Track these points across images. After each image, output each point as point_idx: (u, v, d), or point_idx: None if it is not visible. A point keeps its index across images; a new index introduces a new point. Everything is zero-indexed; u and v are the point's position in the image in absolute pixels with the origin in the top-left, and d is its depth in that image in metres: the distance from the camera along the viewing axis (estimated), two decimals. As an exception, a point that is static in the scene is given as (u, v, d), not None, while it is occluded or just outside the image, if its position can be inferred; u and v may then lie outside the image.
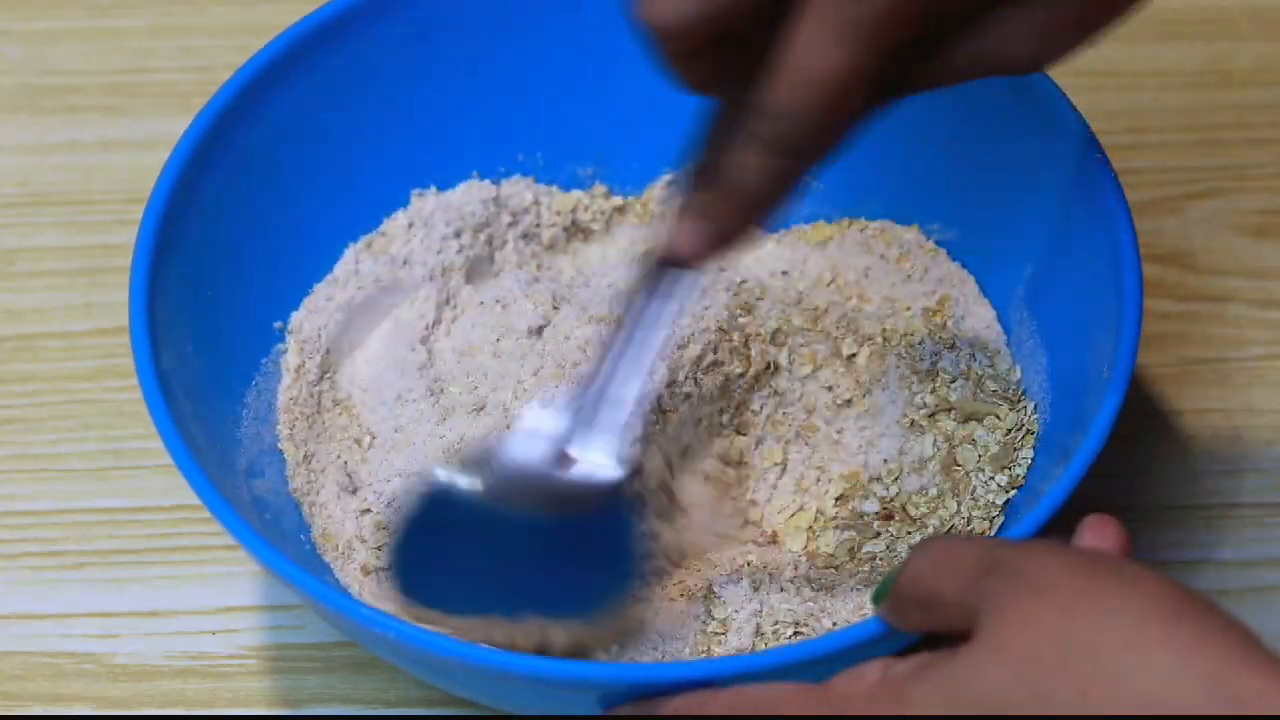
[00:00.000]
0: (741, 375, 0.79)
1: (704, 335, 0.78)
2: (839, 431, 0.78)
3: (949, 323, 0.80)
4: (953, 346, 0.79)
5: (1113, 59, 0.93)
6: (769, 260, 0.83)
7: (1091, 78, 0.92)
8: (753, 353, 0.79)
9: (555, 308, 0.79)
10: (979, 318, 0.80)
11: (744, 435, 0.79)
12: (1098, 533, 0.64)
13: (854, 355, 0.79)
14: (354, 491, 0.77)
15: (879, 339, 0.79)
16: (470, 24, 0.81)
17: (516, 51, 0.81)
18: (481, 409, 0.77)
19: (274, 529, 0.74)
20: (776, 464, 0.78)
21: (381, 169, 0.81)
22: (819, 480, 0.78)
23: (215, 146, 0.76)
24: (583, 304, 0.79)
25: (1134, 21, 0.94)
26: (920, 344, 0.79)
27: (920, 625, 0.63)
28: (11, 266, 0.89)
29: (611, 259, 0.83)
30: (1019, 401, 0.78)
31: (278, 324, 0.79)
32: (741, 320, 0.79)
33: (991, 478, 0.76)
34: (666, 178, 0.84)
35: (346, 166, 0.81)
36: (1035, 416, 0.77)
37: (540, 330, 0.78)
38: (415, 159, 0.82)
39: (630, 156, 0.84)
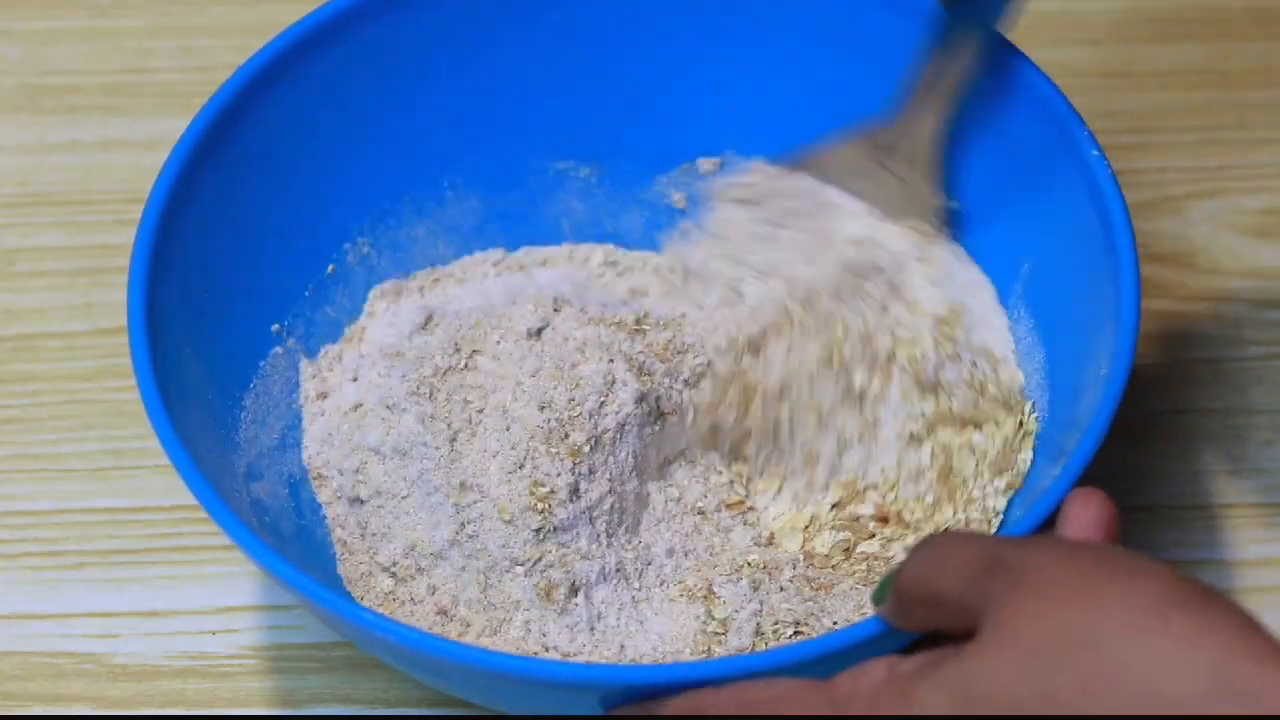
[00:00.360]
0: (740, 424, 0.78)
1: (703, 381, 0.77)
2: (840, 455, 0.78)
3: (959, 334, 0.79)
4: (957, 356, 0.78)
5: (1113, 59, 0.93)
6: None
7: (1091, 78, 0.92)
8: (754, 408, 0.78)
9: (556, 310, 0.79)
10: (992, 328, 0.79)
11: (743, 462, 0.78)
12: (1083, 504, 0.64)
13: (864, 392, 0.78)
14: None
15: (887, 359, 0.79)
16: (470, 26, 0.81)
17: (516, 53, 0.81)
18: (480, 410, 0.77)
19: (273, 531, 0.74)
20: (774, 489, 0.78)
21: (380, 169, 0.81)
22: (815, 491, 0.78)
23: (214, 147, 0.76)
24: (582, 305, 0.78)
25: (1134, 21, 0.94)
26: (925, 357, 0.78)
27: (923, 624, 0.63)
28: (11, 266, 0.89)
29: (610, 260, 0.84)
30: (1018, 405, 0.78)
31: (275, 327, 0.79)
32: (746, 364, 0.78)
33: (990, 481, 0.76)
34: (662, 179, 0.84)
35: (345, 167, 0.81)
36: (1034, 417, 0.77)
37: (539, 332, 0.78)
38: (414, 160, 0.82)
39: (627, 158, 0.84)
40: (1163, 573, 0.57)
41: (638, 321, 0.78)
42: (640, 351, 0.77)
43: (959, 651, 0.59)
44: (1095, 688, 0.55)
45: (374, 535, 0.76)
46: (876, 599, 0.64)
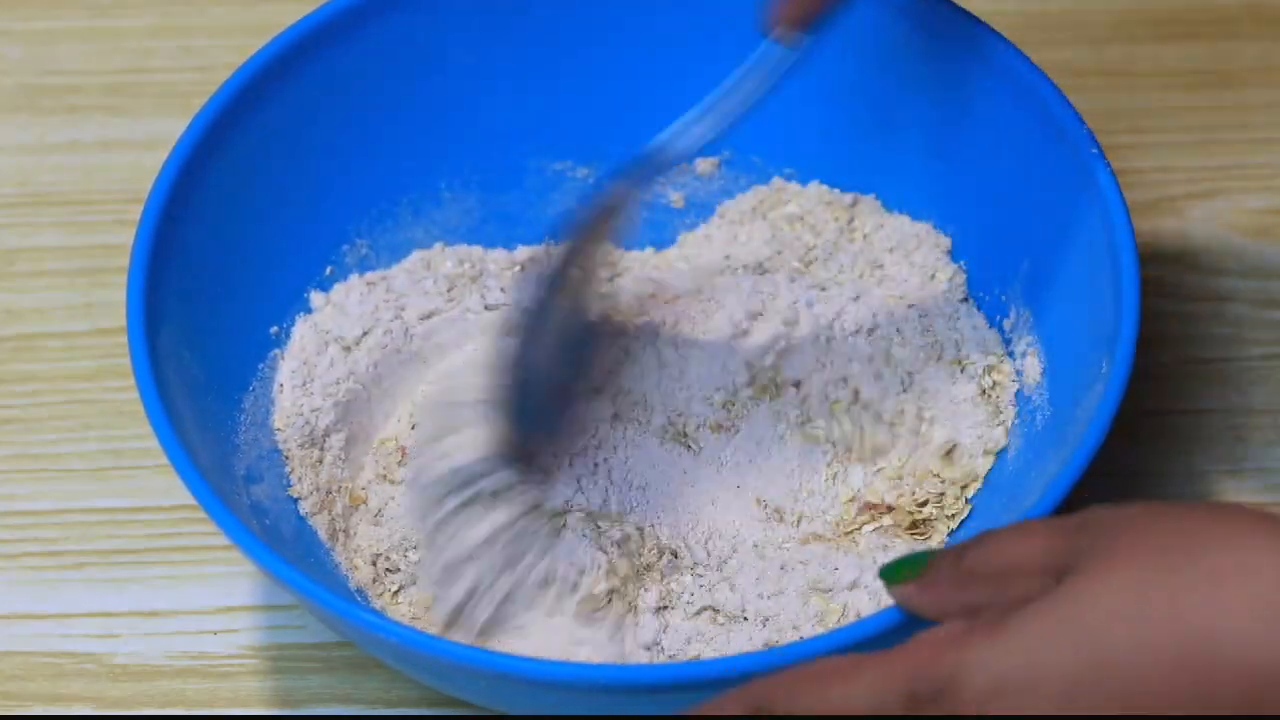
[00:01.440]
0: None
1: None
2: None
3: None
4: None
5: (1113, 59, 0.93)
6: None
7: (1091, 78, 0.92)
8: None
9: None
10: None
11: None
12: None
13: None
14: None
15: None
16: (467, 27, 0.81)
17: (513, 54, 0.81)
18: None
19: (273, 533, 0.74)
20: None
21: (378, 171, 0.81)
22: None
23: (214, 147, 0.76)
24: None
25: (1134, 21, 0.94)
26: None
27: (969, 601, 0.61)
28: (11, 266, 0.89)
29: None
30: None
31: (273, 329, 0.79)
32: None
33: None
34: (659, 180, 0.84)
35: (344, 168, 0.81)
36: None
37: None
38: (412, 161, 0.82)
39: (625, 159, 0.84)
40: (1257, 514, 0.57)
41: None
42: None
43: (1052, 593, 0.58)
44: (1183, 603, 0.56)
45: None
46: (893, 578, 0.63)
